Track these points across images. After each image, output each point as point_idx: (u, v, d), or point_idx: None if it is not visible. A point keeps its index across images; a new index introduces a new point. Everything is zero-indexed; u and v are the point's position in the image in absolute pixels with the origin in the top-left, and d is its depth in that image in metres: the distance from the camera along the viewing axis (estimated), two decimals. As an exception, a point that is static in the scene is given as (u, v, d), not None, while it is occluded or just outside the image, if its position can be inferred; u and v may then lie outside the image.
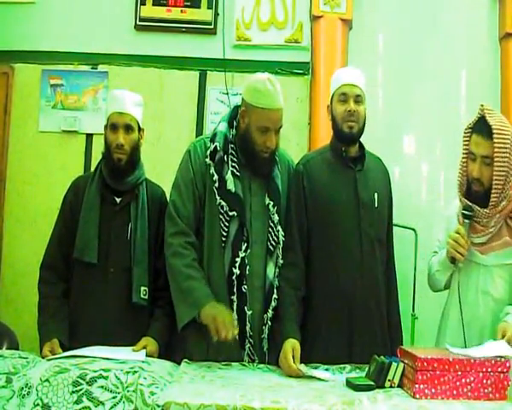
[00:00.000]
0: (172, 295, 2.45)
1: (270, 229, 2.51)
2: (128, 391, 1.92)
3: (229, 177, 2.46)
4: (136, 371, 2.01)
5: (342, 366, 2.33)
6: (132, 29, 4.20)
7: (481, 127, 2.40)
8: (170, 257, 2.46)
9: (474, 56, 4.17)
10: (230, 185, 2.45)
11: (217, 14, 4.20)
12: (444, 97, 3.99)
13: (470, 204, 2.42)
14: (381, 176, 2.67)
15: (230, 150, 2.50)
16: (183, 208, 2.50)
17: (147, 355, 2.31)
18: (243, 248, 2.44)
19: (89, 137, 4.10)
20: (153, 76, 4.17)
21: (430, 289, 2.71)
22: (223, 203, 2.44)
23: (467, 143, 2.46)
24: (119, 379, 1.96)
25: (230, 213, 2.44)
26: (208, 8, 4.20)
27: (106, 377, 1.96)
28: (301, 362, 2.29)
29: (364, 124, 2.58)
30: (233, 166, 2.48)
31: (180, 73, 4.19)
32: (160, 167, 3.75)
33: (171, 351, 2.50)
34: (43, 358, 2.29)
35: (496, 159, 2.36)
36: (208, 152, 2.49)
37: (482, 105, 2.44)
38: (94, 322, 2.50)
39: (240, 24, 4.20)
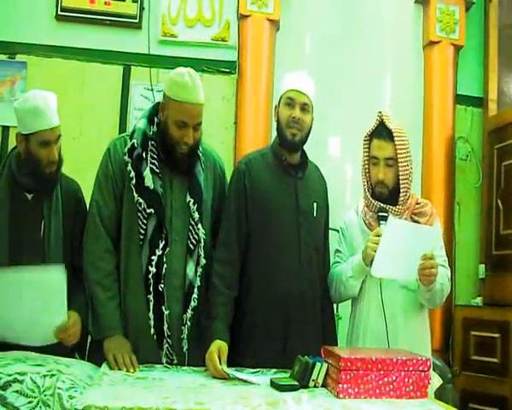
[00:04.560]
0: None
1: (190, 227, 2.47)
2: (45, 395, 1.86)
3: (147, 173, 2.41)
4: (53, 375, 1.93)
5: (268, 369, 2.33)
6: (53, 19, 4.07)
7: (381, 131, 2.54)
8: (86, 266, 2.44)
9: (399, 62, 4.29)
10: (149, 182, 2.41)
11: (142, 9, 4.14)
12: (369, 101, 4.06)
13: (383, 205, 2.52)
14: (319, 185, 2.70)
15: (150, 147, 2.46)
16: (105, 208, 2.46)
17: (68, 326, 2.28)
18: (160, 246, 2.40)
19: (5, 129, 3.95)
20: (74, 69, 4.05)
21: (334, 301, 2.72)
22: (140, 200, 2.40)
23: (367, 148, 2.59)
24: (35, 383, 1.88)
25: (148, 211, 2.40)
26: (133, 1, 4.14)
27: (21, 381, 1.88)
28: (233, 365, 2.27)
29: (308, 133, 2.57)
30: (152, 163, 2.43)
31: (103, 67, 4.10)
32: (81, 163, 3.64)
33: (92, 353, 2.44)
34: None
35: (399, 159, 2.51)
36: (126, 149, 2.45)
37: (380, 112, 2.57)
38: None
39: (166, 19, 4.15)
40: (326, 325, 2.62)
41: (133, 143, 2.44)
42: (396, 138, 2.51)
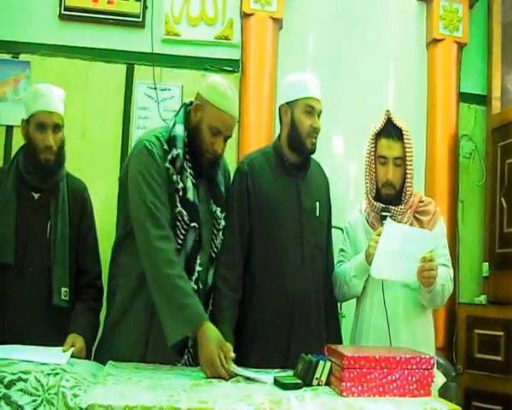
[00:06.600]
0: (160, 308, 2.24)
1: (213, 236, 2.46)
2: (49, 394, 1.85)
3: (189, 186, 2.35)
4: (57, 373, 1.92)
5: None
6: (56, 18, 4.05)
7: (390, 130, 2.52)
8: (160, 264, 2.25)
9: (402, 60, 4.27)
10: (190, 194, 2.35)
11: (145, 7, 4.12)
12: (372, 99, 4.06)
13: (385, 205, 2.52)
14: (321, 184, 2.70)
15: (187, 156, 2.39)
16: (164, 210, 2.32)
17: (74, 354, 2.23)
18: (198, 262, 2.36)
19: (9, 129, 3.94)
20: (78, 68, 4.04)
21: (338, 300, 2.74)
22: (184, 212, 2.34)
23: (373, 147, 2.56)
24: (39, 382, 1.88)
25: (192, 225, 2.34)
26: (137, 0, 4.12)
27: (25, 380, 1.87)
28: (237, 365, 2.23)
29: None
30: (190, 174, 2.38)
31: (107, 66, 4.08)
32: (85, 163, 3.67)
33: (99, 351, 2.43)
34: None
35: (407, 159, 2.51)
36: (170, 157, 2.35)
37: (388, 110, 2.56)
38: (12, 325, 2.38)
39: (169, 18, 4.14)
40: (330, 324, 2.63)
41: (178, 154, 2.35)
42: (405, 137, 2.51)
